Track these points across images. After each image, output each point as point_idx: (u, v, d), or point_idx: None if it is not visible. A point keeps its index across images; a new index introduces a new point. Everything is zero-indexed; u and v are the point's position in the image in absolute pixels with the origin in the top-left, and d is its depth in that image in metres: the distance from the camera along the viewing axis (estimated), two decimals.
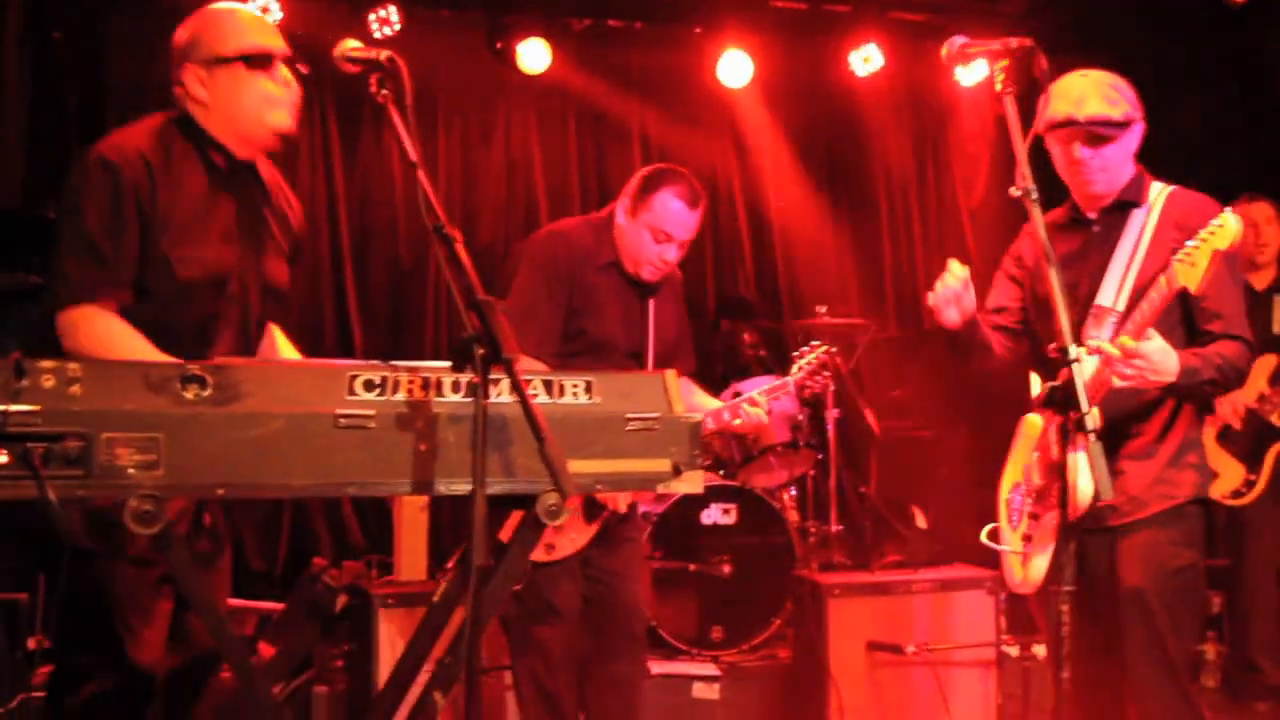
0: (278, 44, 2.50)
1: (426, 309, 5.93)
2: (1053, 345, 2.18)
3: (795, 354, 3.67)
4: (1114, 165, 2.72)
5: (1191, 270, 2.41)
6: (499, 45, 5.91)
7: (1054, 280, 2.20)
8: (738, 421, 3.38)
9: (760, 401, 3.37)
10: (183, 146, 2.43)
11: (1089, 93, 2.67)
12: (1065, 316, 2.17)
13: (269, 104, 2.44)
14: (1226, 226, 2.41)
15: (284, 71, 2.48)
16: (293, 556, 5.55)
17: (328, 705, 3.87)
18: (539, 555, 3.09)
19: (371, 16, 5.58)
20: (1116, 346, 2.45)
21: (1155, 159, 2.89)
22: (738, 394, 4.83)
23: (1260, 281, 4.74)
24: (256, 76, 2.43)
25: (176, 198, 2.37)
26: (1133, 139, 2.74)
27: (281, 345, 2.64)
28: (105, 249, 2.29)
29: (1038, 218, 2.26)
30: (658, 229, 3.14)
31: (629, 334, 3.26)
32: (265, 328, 2.58)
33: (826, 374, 3.71)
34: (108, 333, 2.27)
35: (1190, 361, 2.52)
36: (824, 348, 3.65)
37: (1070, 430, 2.14)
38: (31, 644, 4.14)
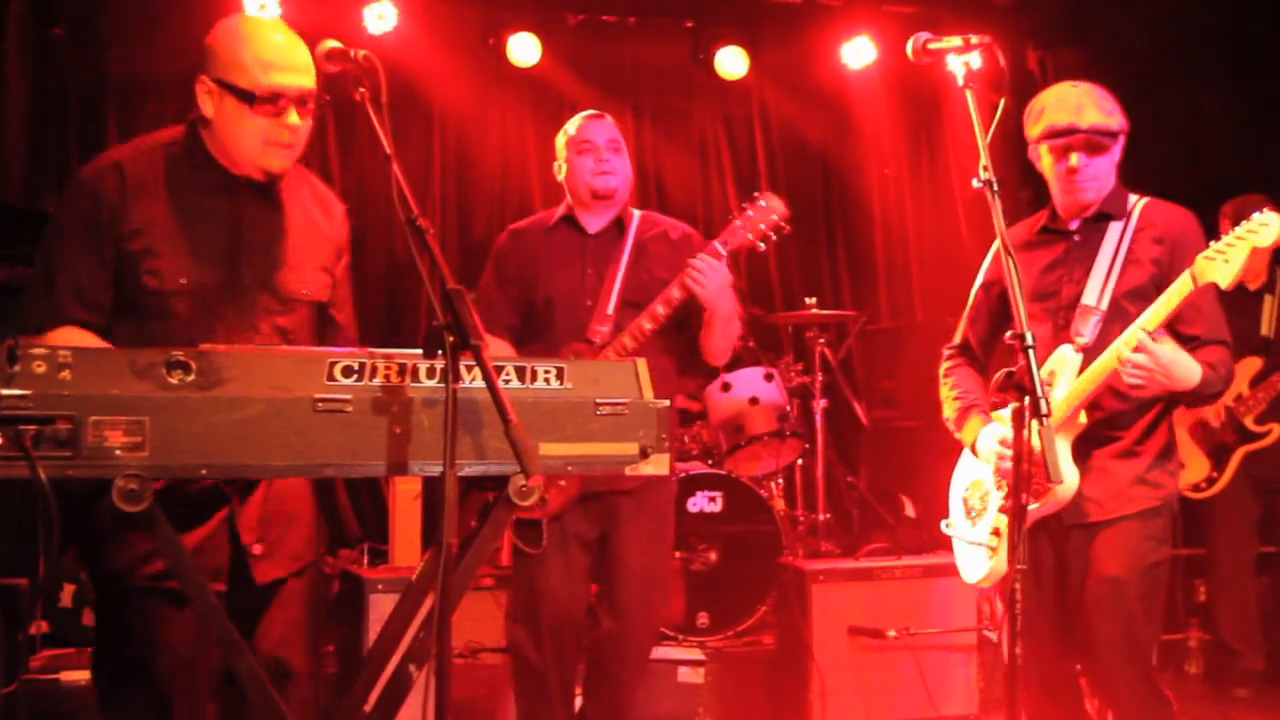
0: (295, 82, 2.35)
1: (420, 301, 6.01)
2: (1009, 334, 2.24)
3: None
4: (1104, 175, 2.81)
5: (1225, 266, 2.49)
6: (492, 40, 6.00)
7: (1010, 269, 2.26)
8: (699, 286, 3.24)
9: (719, 249, 3.34)
10: (179, 158, 2.43)
11: (1086, 102, 2.76)
12: (1022, 305, 2.23)
13: (266, 146, 2.39)
14: (1270, 226, 2.49)
15: (292, 116, 2.37)
16: None
17: (321, 687, 3.95)
18: (535, 512, 3.18)
19: (367, 11, 5.66)
20: (1129, 342, 2.54)
21: (1148, 153, 2.94)
22: (727, 385, 4.93)
23: (1254, 281, 4.75)
24: (260, 117, 2.35)
25: (153, 208, 2.37)
26: (1118, 150, 2.83)
27: None
28: (75, 274, 2.33)
29: (997, 210, 2.33)
30: (579, 143, 3.44)
31: (583, 281, 3.38)
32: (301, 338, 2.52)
33: (774, 216, 3.52)
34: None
35: (1207, 374, 2.62)
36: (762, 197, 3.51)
37: (1027, 415, 2.21)
38: (33, 630, 4.23)
